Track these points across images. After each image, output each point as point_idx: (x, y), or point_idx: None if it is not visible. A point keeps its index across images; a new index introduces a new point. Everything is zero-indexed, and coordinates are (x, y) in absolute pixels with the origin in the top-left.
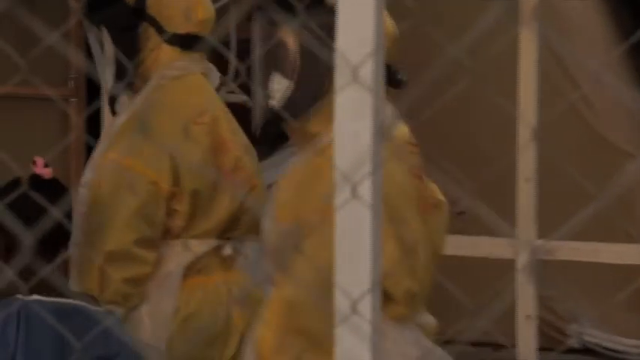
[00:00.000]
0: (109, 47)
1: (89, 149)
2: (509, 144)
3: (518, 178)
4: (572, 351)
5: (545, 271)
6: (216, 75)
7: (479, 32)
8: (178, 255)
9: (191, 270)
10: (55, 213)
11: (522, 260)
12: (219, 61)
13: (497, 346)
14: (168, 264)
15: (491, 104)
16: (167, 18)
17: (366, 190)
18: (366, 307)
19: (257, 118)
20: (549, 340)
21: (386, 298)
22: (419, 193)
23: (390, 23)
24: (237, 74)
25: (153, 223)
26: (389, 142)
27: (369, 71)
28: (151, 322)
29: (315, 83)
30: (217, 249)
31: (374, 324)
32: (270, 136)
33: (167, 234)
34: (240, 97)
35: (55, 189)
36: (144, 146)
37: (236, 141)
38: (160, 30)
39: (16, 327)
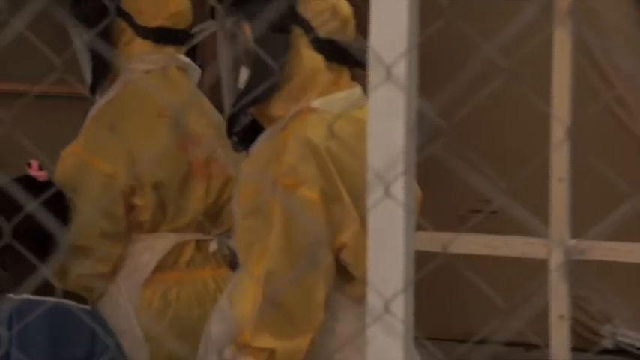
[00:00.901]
0: (83, 43)
1: None
2: (542, 143)
3: (552, 178)
4: (605, 351)
5: (579, 271)
6: (196, 69)
7: (514, 31)
8: (151, 248)
9: (171, 264)
10: (46, 213)
11: (555, 260)
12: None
13: (530, 346)
14: (140, 257)
15: (525, 103)
16: (139, 11)
17: (399, 189)
18: (399, 306)
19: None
20: (582, 340)
21: (347, 277)
22: None
23: (343, 3)
24: None
25: (113, 217)
26: (356, 125)
27: (403, 70)
28: (116, 315)
29: (270, 68)
30: (202, 244)
31: (407, 323)
32: (236, 124)
33: (139, 228)
34: None
35: (48, 191)
36: (102, 140)
37: (209, 134)
38: (133, 24)
39: (8, 326)
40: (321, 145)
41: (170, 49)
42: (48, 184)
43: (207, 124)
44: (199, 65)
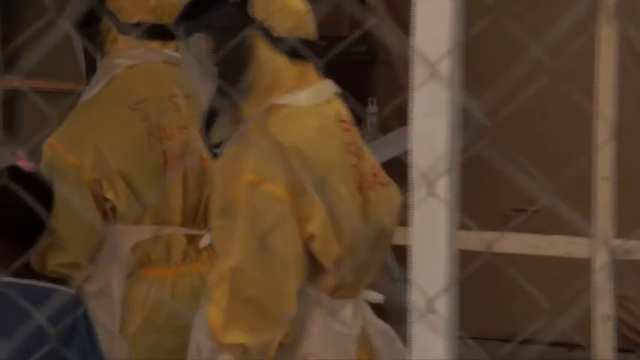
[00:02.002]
0: (77, 42)
1: None
2: (586, 142)
3: (596, 177)
4: None
5: (623, 271)
6: (191, 64)
7: (561, 30)
8: (130, 240)
9: (164, 259)
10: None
11: (600, 260)
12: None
13: (574, 347)
14: (121, 249)
15: (570, 102)
16: (120, 9)
17: (442, 187)
18: (442, 305)
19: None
20: (627, 341)
21: (317, 269)
22: (355, 168)
23: (298, 1)
24: None
25: (85, 209)
26: (321, 119)
27: (447, 68)
28: (98, 305)
29: (234, 76)
30: (195, 239)
31: (450, 322)
32: (210, 131)
33: (121, 220)
34: None
35: (34, 181)
36: (72, 133)
37: (188, 126)
38: (115, 22)
39: None
40: (285, 140)
41: (154, 44)
42: (34, 174)
43: (191, 115)
44: None
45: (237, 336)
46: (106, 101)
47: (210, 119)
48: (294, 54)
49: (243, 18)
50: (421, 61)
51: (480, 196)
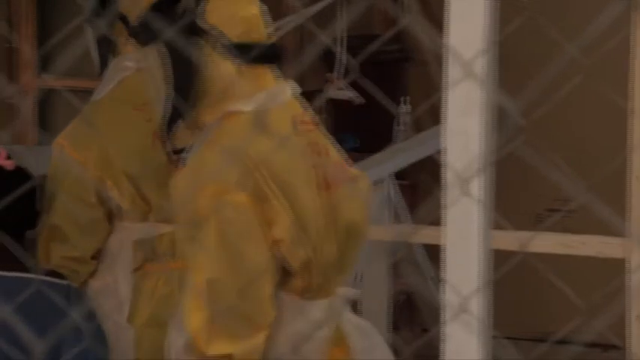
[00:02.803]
0: (90, 41)
1: None
2: (621, 142)
3: (631, 176)
4: None
5: None
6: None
7: (595, 29)
8: (133, 237)
9: (171, 254)
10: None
11: (635, 260)
12: (329, 58)
13: (608, 347)
14: (126, 245)
15: (605, 101)
16: (127, 11)
17: (476, 187)
18: (476, 305)
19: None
20: None
21: (285, 272)
22: (318, 168)
23: (246, 5)
24: (346, 72)
25: (86, 205)
26: (281, 121)
27: (481, 67)
28: (105, 301)
29: (188, 81)
30: None
31: (484, 322)
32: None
33: (127, 218)
34: (347, 94)
35: (17, 178)
36: (79, 131)
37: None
38: (127, 25)
39: None
40: (243, 148)
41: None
42: (15, 172)
43: None
44: None
45: (222, 346)
46: (112, 101)
47: (170, 125)
48: (246, 59)
49: (193, 27)
50: (455, 60)
51: (514, 196)
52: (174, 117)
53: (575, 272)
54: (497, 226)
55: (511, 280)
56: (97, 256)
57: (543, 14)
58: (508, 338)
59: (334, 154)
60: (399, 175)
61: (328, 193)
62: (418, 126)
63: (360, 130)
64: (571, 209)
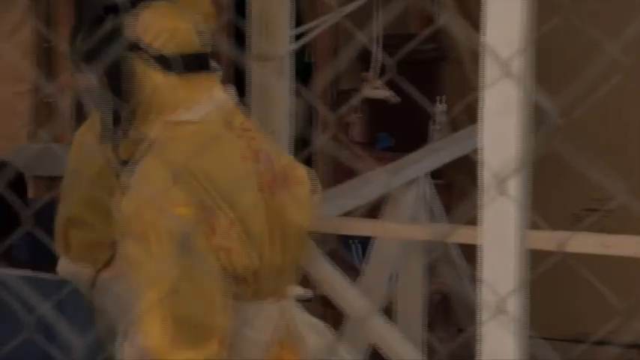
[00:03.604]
0: None
1: None
2: None
3: None
4: None
5: None
6: (216, 69)
7: (636, 28)
8: None
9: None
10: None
11: None
12: (364, 57)
13: None
14: None
15: None
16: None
17: (513, 186)
18: (513, 305)
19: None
20: None
21: (232, 279)
22: (262, 174)
23: (177, 17)
24: (382, 71)
25: (110, 193)
26: (222, 130)
27: (519, 66)
28: (120, 289)
29: (125, 97)
30: None
31: (520, 322)
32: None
33: None
34: (383, 93)
35: (2, 172)
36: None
37: None
38: None
39: None
40: (185, 160)
41: None
42: (2, 164)
43: None
44: (308, 64)
45: (184, 354)
46: None
47: (113, 138)
48: (179, 70)
49: (123, 43)
50: (493, 59)
51: (550, 196)
52: (114, 130)
53: (613, 273)
54: (534, 226)
55: (547, 280)
56: (114, 246)
57: (582, 13)
58: (544, 339)
59: (279, 158)
60: (435, 175)
61: (272, 197)
62: (454, 125)
63: (395, 129)
64: (609, 209)
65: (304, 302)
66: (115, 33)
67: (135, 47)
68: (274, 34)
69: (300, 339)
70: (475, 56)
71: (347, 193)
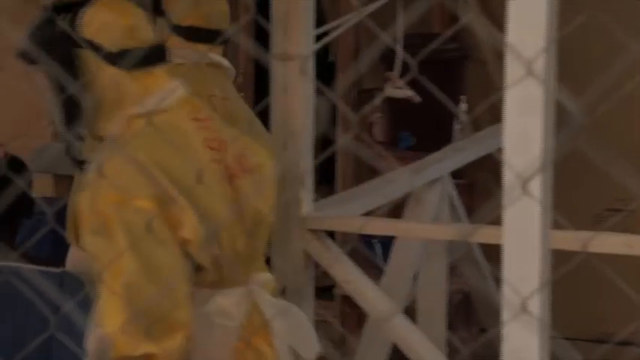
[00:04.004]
0: None
1: None
2: None
3: None
4: None
5: None
6: (230, 69)
7: None
8: None
9: None
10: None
11: None
12: (387, 57)
13: None
14: None
15: None
16: (173, 11)
17: (536, 186)
18: (536, 305)
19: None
20: None
21: (196, 267)
22: (219, 163)
23: (126, 12)
24: (404, 70)
25: None
26: (177, 121)
27: (542, 66)
28: None
29: (79, 94)
30: None
31: (543, 322)
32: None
33: None
34: (405, 92)
35: (11, 167)
36: None
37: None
38: (169, 23)
39: None
40: (142, 153)
41: (202, 47)
42: (8, 161)
43: (224, 115)
44: (330, 62)
45: (145, 347)
46: None
47: (70, 136)
48: (128, 65)
49: (72, 41)
50: (516, 58)
51: (573, 196)
52: (68, 129)
53: (636, 273)
54: (557, 226)
55: (570, 281)
56: None
57: (606, 12)
58: (567, 339)
59: (236, 145)
60: (456, 174)
61: (232, 185)
62: (476, 125)
63: (417, 128)
64: (632, 209)
65: (324, 301)
66: (67, 30)
67: (84, 44)
68: (296, 34)
69: (270, 324)
70: (498, 55)
71: (369, 193)
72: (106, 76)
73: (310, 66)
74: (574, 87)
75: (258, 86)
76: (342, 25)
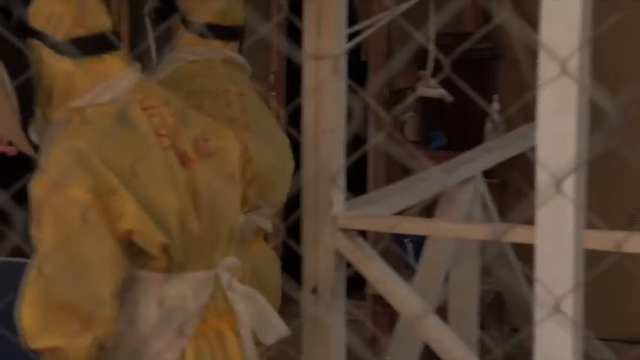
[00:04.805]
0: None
1: (289, 139)
2: None
3: None
4: None
5: None
6: (246, 64)
7: None
8: None
9: None
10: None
11: None
12: (418, 56)
13: None
14: None
15: None
16: (188, 8)
17: (569, 186)
18: (569, 304)
19: None
20: None
21: (146, 255)
22: (170, 149)
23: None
24: (436, 69)
25: None
26: (125, 109)
27: (577, 64)
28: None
29: (33, 85)
30: None
31: (576, 322)
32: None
33: None
34: (438, 92)
35: (20, 164)
36: None
37: (233, 120)
38: (184, 20)
39: None
40: (83, 144)
41: (217, 44)
42: (17, 158)
43: (241, 110)
44: (363, 62)
45: (51, 340)
46: (167, 87)
47: (26, 125)
48: (80, 53)
49: (25, 32)
50: (550, 58)
51: (607, 195)
52: (25, 117)
53: None
54: (591, 226)
55: (604, 281)
56: None
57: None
58: (600, 339)
59: (191, 130)
60: (488, 174)
61: (187, 169)
62: (508, 124)
63: (449, 128)
64: None
65: (357, 301)
66: (19, 21)
67: (34, 34)
68: (329, 33)
69: (236, 308)
70: (530, 54)
71: (401, 192)
72: (56, 65)
73: (342, 65)
74: (608, 87)
75: (290, 85)
76: (374, 25)
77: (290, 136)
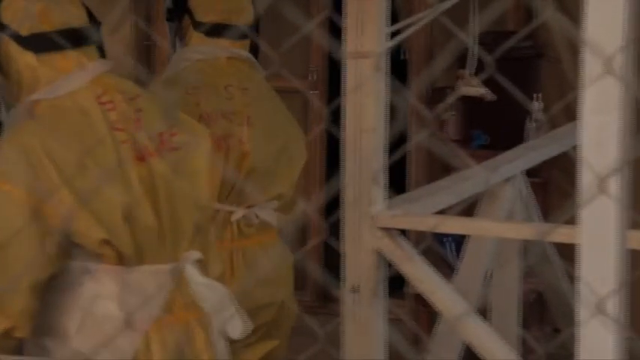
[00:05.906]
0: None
1: (330, 138)
2: None
3: None
4: None
5: None
6: (250, 59)
7: None
8: None
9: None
10: None
11: None
12: (459, 54)
13: None
14: None
15: None
16: (196, 9)
17: (613, 185)
18: (612, 305)
19: None
20: None
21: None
22: (127, 144)
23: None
24: (479, 68)
25: None
26: (81, 104)
27: (621, 63)
28: None
29: (4, 78)
30: (224, 215)
31: (620, 322)
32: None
33: None
34: (479, 90)
35: None
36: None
37: (233, 113)
38: (192, 20)
39: None
40: (29, 140)
41: (223, 42)
42: None
43: (244, 104)
44: (403, 61)
45: None
46: (170, 84)
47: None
48: (40, 49)
49: None
50: (594, 56)
51: None
52: None
53: None
54: (635, 226)
55: None
56: None
57: None
58: None
59: (153, 125)
60: (531, 173)
61: (144, 164)
62: (550, 123)
63: (490, 126)
64: None
65: (397, 300)
66: None
67: (2, 28)
68: (370, 32)
69: (199, 299)
70: (573, 53)
71: (442, 191)
72: (22, 59)
73: (384, 64)
74: None
75: (331, 84)
76: (415, 23)
77: (331, 134)
